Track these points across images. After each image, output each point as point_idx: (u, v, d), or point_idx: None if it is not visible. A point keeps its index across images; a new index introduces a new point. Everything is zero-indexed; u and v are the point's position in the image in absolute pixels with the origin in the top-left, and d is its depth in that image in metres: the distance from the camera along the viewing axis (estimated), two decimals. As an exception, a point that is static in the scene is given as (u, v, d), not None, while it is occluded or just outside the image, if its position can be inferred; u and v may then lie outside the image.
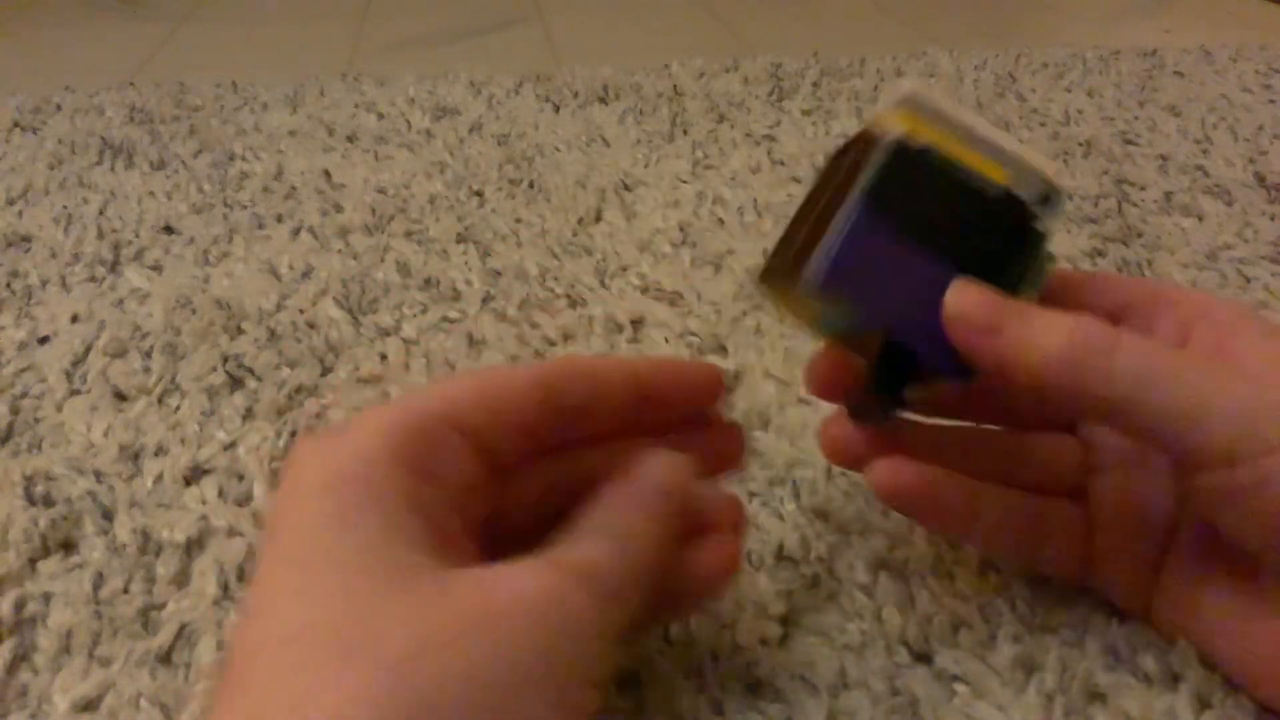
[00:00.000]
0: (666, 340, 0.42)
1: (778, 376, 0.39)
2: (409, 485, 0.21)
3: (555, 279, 0.46)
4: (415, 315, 0.43)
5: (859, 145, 0.26)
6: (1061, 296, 0.26)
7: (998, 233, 0.25)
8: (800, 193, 0.55)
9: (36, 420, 0.37)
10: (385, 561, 0.19)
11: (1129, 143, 0.62)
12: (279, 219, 0.52)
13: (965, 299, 0.24)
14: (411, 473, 0.21)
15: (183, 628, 0.28)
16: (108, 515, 0.32)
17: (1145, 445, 0.26)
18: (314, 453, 0.22)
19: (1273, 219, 0.53)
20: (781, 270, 0.26)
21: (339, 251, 0.49)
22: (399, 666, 0.17)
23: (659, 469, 0.24)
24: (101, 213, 0.53)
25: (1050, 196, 0.26)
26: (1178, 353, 0.23)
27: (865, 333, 0.26)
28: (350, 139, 0.63)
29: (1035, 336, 0.23)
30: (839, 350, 0.28)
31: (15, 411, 0.37)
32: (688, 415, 0.26)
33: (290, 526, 0.20)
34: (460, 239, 0.50)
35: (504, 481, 0.24)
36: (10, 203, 0.54)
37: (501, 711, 0.18)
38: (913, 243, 0.25)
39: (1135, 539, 0.27)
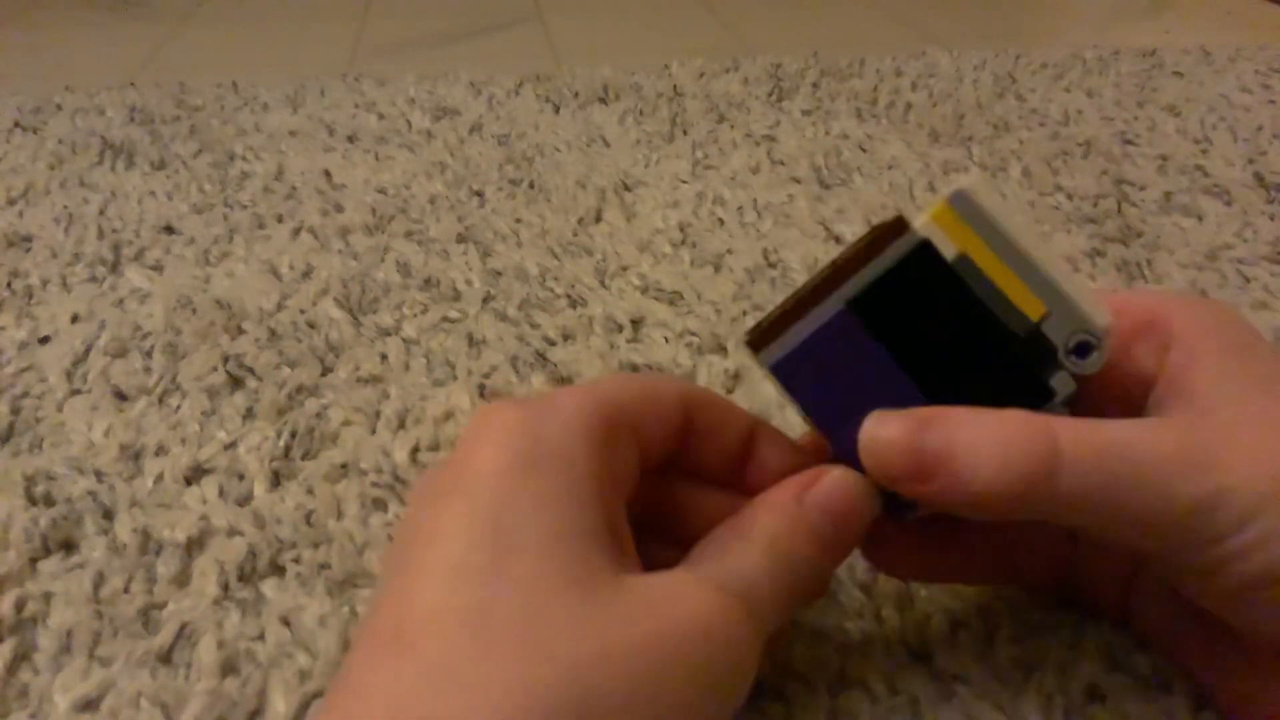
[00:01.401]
0: (666, 340, 0.42)
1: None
2: (599, 471, 0.21)
3: (555, 279, 0.46)
4: (415, 315, 0.43)
5: (889, 230, 0.23)
6: None
7: (1000, 376, 0.23)
8: (799, 194, 0.55)
9: (37, 420, 0.37)
10: (573, 556, 0.19)
11: (1129, 143, 0.62)
12: (279, 219, 0.52)
13: (880, 442, 0.22)
14: (601, 459, 0.21)
15: (183, 627, 0.28)
16: (108, 515, 0.32)
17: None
18: (519, 420, 0.21)
19: (1272, 219, 0.53)
20: (754, 338, 0.24)
21: (339, 251, 0.49)
22: (574, 671, 0.18)
23: (835, 488, 0.22)
24: (102, 213, 0.53)
25: (1088, 347, 0.23)
26: (1122, 446, 0.21)
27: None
28: (350, 139, 0.63)
29: (968, 469, 0.21)
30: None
31: (16, 411, 0.37)
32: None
33: (488, 496, 0.20)
34: (460, 239, 0.50)
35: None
36: (11, 203, 0.54)
37: None
38: (889, 360, 0.23)
39: (1112, 556, 0.27)
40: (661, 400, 0.24)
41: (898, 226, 0.23)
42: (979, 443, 0.21)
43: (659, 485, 0.25)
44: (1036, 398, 0.23)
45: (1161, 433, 0.21)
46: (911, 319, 0.23)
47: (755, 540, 0.21)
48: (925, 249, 0.23)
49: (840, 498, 0.22)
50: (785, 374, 0.24)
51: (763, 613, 0.21)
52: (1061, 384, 0.23)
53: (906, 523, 0.24)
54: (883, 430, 0.22)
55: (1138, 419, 0.22)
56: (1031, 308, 0.23)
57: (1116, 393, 0.24)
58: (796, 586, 0.22)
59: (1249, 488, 0.20)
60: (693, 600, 0.20)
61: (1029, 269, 0.23)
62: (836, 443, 0.24)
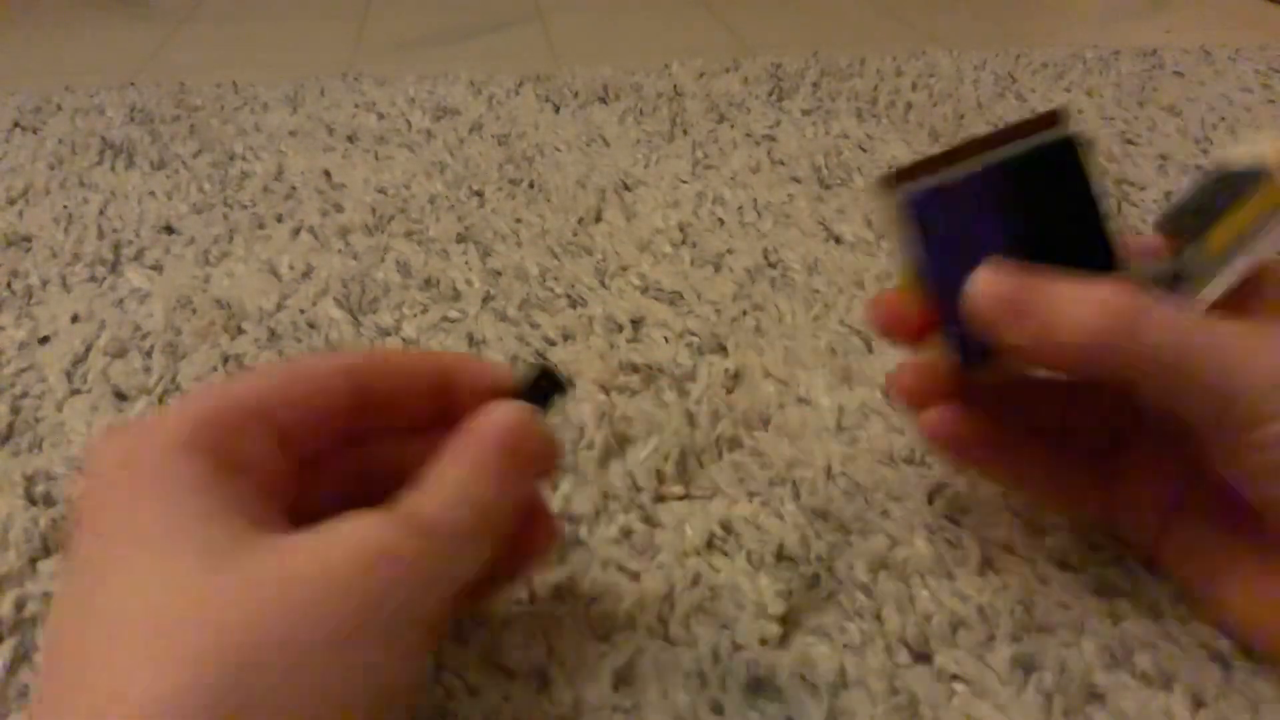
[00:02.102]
0: (666, 340, 0.42)
1: (777, 376, 0.39)
2: (208, 471, 0.21)
3: (555, 279, 0.46)
4: (415, 315, 0.43)
5: (1044, 119, 0.26)
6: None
7: (1094, 260, 0.26)
8: (800, 193, 0.55)
9: (37, 420, 0.37)
10: (194, 538, 0.19)
11: (1129, 143, 0.62)
12: (279, 219, 0.52)
13: (989, 283, 0.24)
14: (211, 460, 0.21)
15: (183, 627, 0.28)
16: (108, 515, 0.32)
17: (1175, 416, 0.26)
18: (115, 442, 0.22)
19: (1272, 219, 0.53)
20: (892, 179, 0.26)
21: (339, 251, 0.49)
22: (217, 639, 0.18)
23: (499, 419, 0.23)
24: (102, 213, 0.53)
25: (1178, 281, 0.25)
26: (1206, 323, 0.23)
27: (923, 284, 0.26)
28: (350, 139, 0.63)
29: (1062, 318, 0.23)
30: (909, 292, 0.28)
31: (15, 411, 0.37)
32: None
33: (92, 529, 0.20)
34: (460, 239, 0.50)
35: (312, 471, 0.24)
36: (10, 203, 0.54)
37: (327, 667, 0.18)
38: (1001, 229, 0.25)
39: (1157, 484, 0.28)
40: (309, 382, 0.24)
41: (1053, 118, 0.25)
42: (1074, 294, 0.23)
43: (358, 456, 0.25)
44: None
45: (1240, 323, 0.23)
46: (1036, 200, 0.25)
47: (437, 475, 0.22)
48: (1068, 144, 0.25)
49: (506, 429, 0.23)
50: (911, 210, 0.26)
51: (442, 537, 0.21)
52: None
53: (977, 381, 0.27)
54: (993, 274, 0.24)
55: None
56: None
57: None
58: (479, 511, 0.22)
59: None
60: (353, 533, 0.20)
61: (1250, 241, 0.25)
62: (933, 289, 0.26)
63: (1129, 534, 0.29)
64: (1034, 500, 0.31)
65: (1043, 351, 0.24)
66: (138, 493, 0.20)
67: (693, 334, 0.42)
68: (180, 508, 0.20)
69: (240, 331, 0.42)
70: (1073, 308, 0.23)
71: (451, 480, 0.22)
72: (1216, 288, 0.25)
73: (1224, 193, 0.25)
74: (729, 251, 0.49)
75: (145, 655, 0.18)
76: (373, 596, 0.19)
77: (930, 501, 0.32)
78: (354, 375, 0.24)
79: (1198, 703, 0.25)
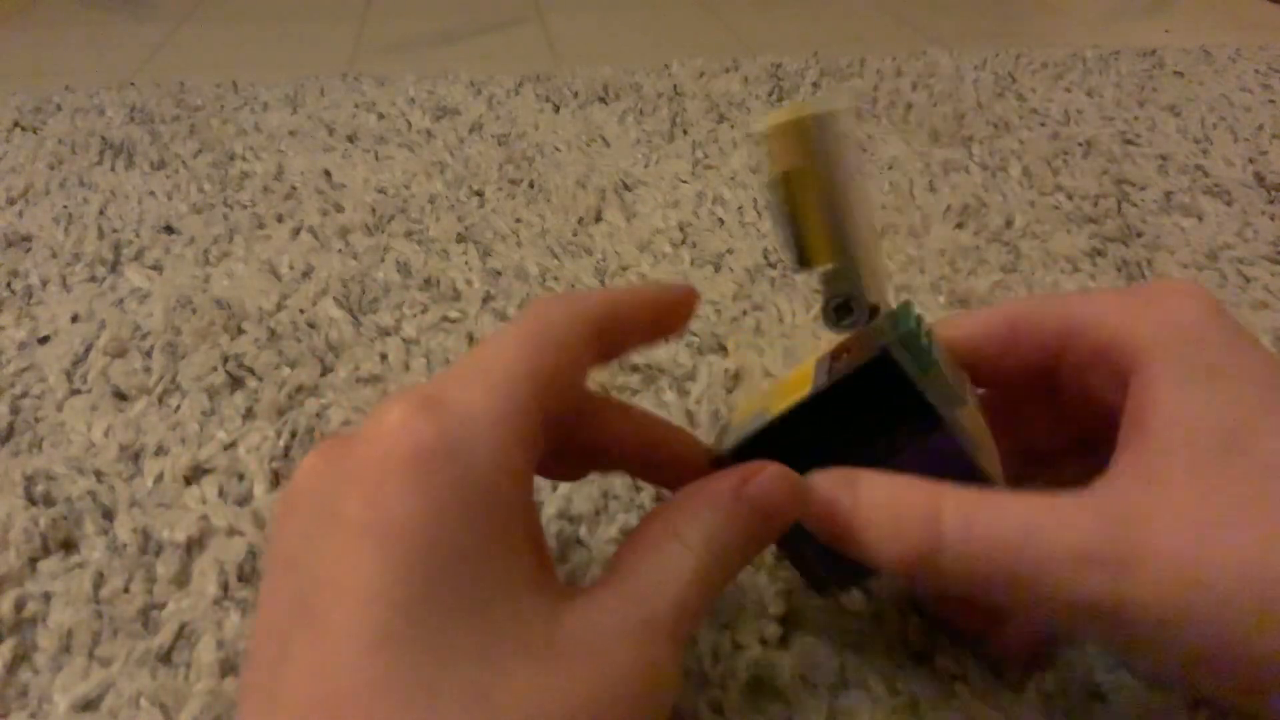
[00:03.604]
0: (665, 338, 0.42)
1: (777, 376, 0.39)
2: (527, 493, 0.20)
3: (555, 279, 0.46)
4: (415, 315, 0.43)
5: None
6: (985, 362, 0.25)
7: (863, 409, 0.23)
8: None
9: (37, 420, 0.37)
10: (513, 614, 0.18)
11: (1129, 143, 0.62)
12: (279, 219, 0.52)
13: (815, 504, 0.22)
14: (528, 475, 0.20)
15: (183, 627, 0.28)
16: (108, 515, 0.32)
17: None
18: (440, 447, 0.18)
19: (1273, 219, 0.53)
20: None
21: (339, 251, 0.49)
22: None
23: (773, 485, 0.22)
24: (102, 212, 0.53)
25: (848, 308, 0.23)
26: (1011, 540, 0.20)
27: None
28: (350, 139, 0.63)
29: (872, 541, 0.21)
30: None
31: (15, 411, 0.37)
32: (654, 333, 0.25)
33: (413, 547, 0.18)
34: (460, 239, 0.50)
35: None
36: (10, 203, 0.54)
37: None
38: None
39: None
40: (564, 353, 0.21)
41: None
42: (876, 515, 0.21)
43: None
44: (893, 371, 0.22)
45: (1067, 521, 0.20)
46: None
47: (690, 540, 0.21)
48: (712, 457, 0.24)
49: (777, 494, 0.22)
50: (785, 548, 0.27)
51: (689, 627, 0.20)
52: (896, 349, 0.22)
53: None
54: (817, 487, 0.23)
55: (1054, 496, 0.20)
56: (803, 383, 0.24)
57: (1083, 428, 0.24)
58: (721, 582, 0.21)
59: (1159, 600, 0.19)
60: (628, 658, 0.19)
61: (839, 221, 0.22)
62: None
63: None
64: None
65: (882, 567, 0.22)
66: (470, 516, 0.18)
67: (693, 334, 0.42)
68: (513, 555, 0.19)
69: (240, 331, 0.42)
70: (876, 531, 0.21)
71: (710, 535, 0.21)
72: (863, 278, 0.22)
73: (776, 188, 0.21)
74: (729, 251, 0.49)
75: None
76: (638, 713, 0.19)
77: (930, 501, 0.32)
78: (596, 325, 0.22)
79: (1198, 702, 0.25)
